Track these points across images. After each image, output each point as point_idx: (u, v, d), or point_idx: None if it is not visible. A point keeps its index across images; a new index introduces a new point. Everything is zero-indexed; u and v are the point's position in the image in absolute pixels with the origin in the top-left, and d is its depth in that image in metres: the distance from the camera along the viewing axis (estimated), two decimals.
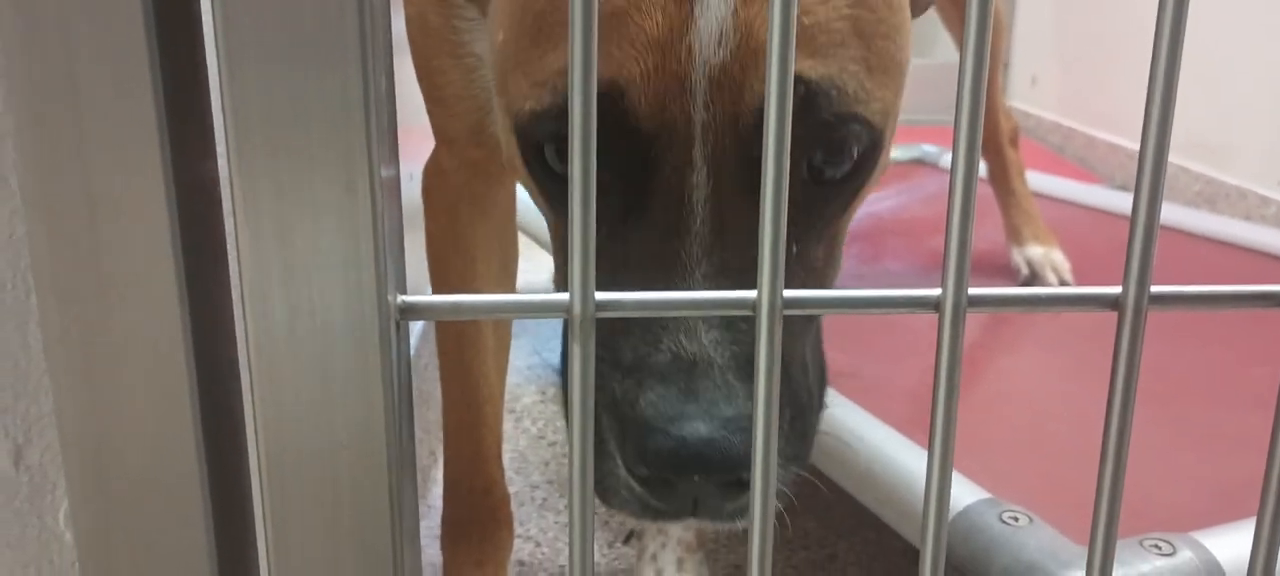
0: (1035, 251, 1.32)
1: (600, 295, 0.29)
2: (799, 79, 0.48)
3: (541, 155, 0.53)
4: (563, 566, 1.04)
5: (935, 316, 0.30)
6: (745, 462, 0.40)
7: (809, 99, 0.49)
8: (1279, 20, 1.92)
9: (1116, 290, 0.30)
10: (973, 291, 0.30)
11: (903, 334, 1.11)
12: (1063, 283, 1.30)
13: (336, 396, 0.29)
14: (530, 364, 1.43)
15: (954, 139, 0.28)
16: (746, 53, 0.48)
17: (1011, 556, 0.68)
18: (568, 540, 0.32)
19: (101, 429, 0.30)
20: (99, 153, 0.28)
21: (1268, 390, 0.34)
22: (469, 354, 0.83)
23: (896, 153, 1.84)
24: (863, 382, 0.95)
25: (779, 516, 0.36)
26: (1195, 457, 0.88)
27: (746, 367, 0.47)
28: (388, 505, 0.30)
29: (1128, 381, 0.31)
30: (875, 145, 0.52)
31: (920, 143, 1.87)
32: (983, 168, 1.33)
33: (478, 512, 0.86)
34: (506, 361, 0.89)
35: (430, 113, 0.75)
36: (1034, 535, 0.70)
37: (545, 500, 1.15)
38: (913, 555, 0.85)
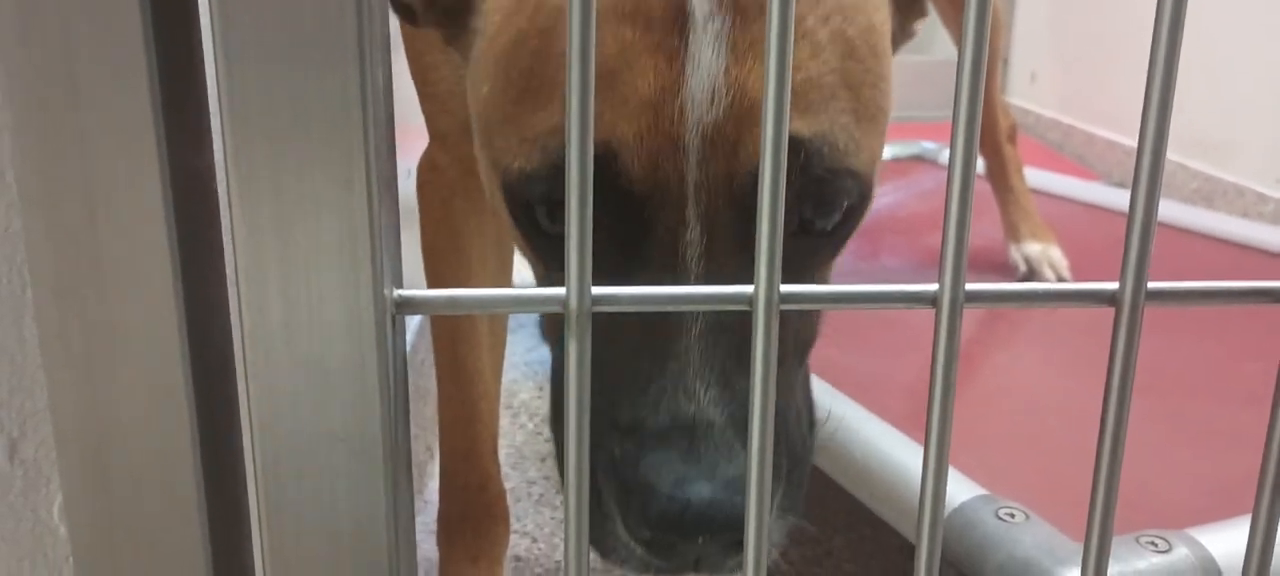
0: (1033, 248, 1.32)
1: (597, 289, 0.29)
2: (792, 138, 0.48)
3: (530, 212, 0.52)
4: (559, 561, 1.04)
5: (932, 312, 0.30)
6: None
7: (801, 156, 0.48)
8: (1277, 18, 1.92)
9: (1113, 286, 0.30)
10: (970, 287, 0.30)
11: (900, 330, 1.11)
12: (1060, 279, 1.30)
13: (332, 390, 0.29)
14: (526, 359, 1.43)
15: (952, 135, 0.28)
16: (740, 111, 0.47)
17: (1007, 552, 0.68)
18: (563, 536, 0.32)
19: (96, 423, 0.30)
20: (95, 147, 0.28)
21: (1264, 386, 0.34)
22: (464, 349, 0.83)
23: (895, 149, 1.84)
24: (860, 378, 0.95)
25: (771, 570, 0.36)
26: (1191, 454, 0.88)
27: (745, 427, 0.47)
28: (383, 499, 0.30)
29: (1124, 377, 0.30)
30: (863, 197, 0.52)
31: (918, 139, 1.87)
32: (981, 164, 1.33)
33: (474, 508, 0.86)
34: (502, 356, 0.89)
35: (424, 109, 0.75)
36: (1030, 531, 0.70)
37: (542, 495, 1.15)
38: (908, 551, 0.85)
